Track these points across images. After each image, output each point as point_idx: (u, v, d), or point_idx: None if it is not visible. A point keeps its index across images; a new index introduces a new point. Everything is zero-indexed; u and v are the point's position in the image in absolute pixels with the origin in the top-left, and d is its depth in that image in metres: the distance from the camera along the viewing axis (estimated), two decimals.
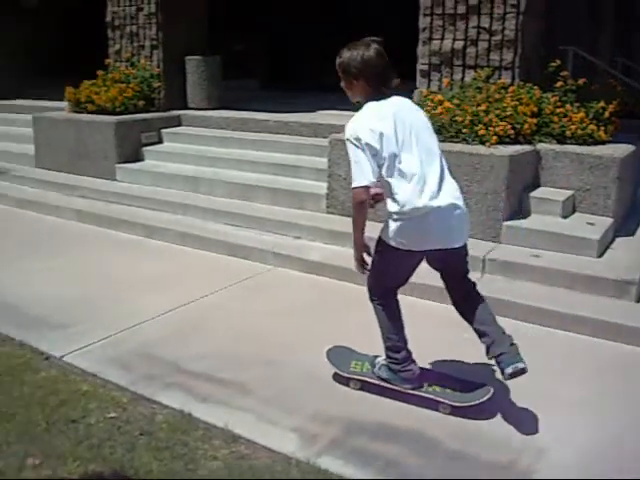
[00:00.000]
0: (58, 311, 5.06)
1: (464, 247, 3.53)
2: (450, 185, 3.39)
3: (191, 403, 3.79)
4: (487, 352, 3.48)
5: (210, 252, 6.43)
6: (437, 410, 3.65)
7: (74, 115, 8.77)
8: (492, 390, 3.58)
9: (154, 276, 5.80)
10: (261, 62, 13.72)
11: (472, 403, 3.55)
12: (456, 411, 3.60)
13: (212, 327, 4.83)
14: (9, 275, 5.87)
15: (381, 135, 3.26)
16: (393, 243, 3.39)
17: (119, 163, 8.26)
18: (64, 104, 9.39)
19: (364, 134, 3.26)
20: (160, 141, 8.68)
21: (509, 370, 3.33)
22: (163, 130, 8.71)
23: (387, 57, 3.39)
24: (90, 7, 16.60)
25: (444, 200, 3.32)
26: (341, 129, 7.28)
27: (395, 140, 3.28)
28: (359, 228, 3.42)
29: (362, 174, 3.25)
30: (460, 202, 3.40)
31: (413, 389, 3.70)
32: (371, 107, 3.37)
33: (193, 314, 5.05)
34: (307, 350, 4.39)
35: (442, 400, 3.62)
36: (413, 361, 3.70)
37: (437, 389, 3.70)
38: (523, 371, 3.33)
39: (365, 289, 3.81)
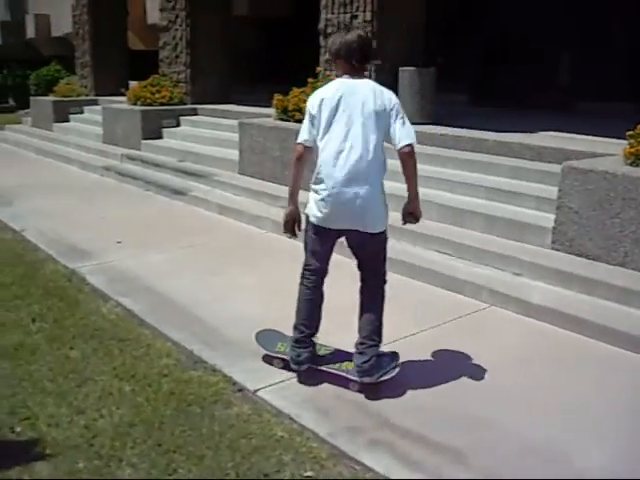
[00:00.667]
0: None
1: (369, 237, 3.77)
2: (366, 174, 3.64)
3: (397, 468, 3.25)
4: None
5: (417, 281, 5.87)
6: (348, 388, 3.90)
7: (281, 123, 8.57)
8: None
9: (350, 305, 5.32)
10: (471, 75, 13.00)
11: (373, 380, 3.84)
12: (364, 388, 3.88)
13: (420, 373, 4.25)
14: (206, 289, 5.64)
15: (320, 106, 3.67)
16: (311, 219, 3.85)
17: None
18: (270, 111, 9.24)
19: (309, 102, 3.79)
20: None
21: (358, 381, 3.84)
22: None
23: (367, 43, 3.83)
24: (299, 15, 16.81)
25: (346, 183, 3.63)
26: (572, 155, 6.61)
27: (329, 114, 3.64)
28: (290, 184, 3.95)
29: (300, 134, 3.77)
30: (372, 194, 3.66)
31: (297, 371, 4.05)
32: (332, 83, 3.80)
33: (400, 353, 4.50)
34: (520, 414, 3.72)
35: (348, 376, 3.93)
36: (306, 347, 3.97)
37: (349, 367, 3.94)
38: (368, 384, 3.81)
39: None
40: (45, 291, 5.56)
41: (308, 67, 9.37)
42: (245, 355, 4.42)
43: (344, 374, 3.93)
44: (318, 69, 9.16)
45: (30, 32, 27.12)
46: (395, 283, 5.75)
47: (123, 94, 12.81)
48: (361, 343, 3.87)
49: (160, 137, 11.37)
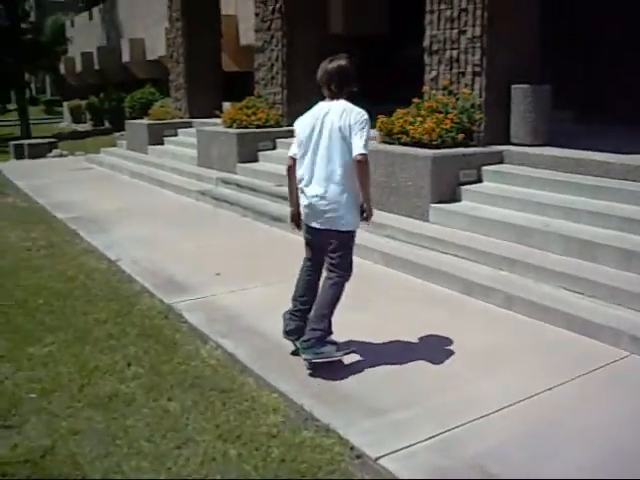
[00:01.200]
0: (372, 387, 4.18)
1: (334, 234, 4.38)
2: (329, 182, 4.27)
3: None
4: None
5: (543, 322, 5.24)
6: None
7: (386, 146, 8.06)
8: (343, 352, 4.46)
9: (478, 349, 4.74)
10: (577, 91, 12.18)
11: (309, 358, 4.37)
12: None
13: (565, 441, 3.62)
14: None
15: (301, 126, 4.41)
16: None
17: (433, 202, 7.37)
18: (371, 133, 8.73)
19: (296, 124, 4.50)
20: (479, 180, 7.66)
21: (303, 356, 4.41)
22: (483, 168, 7.69)
23: (345, 72, 4.39)
24: (394, 32, 16.36)
25: (313, 188, 4.31)
26: None
27: (308, 133, 4.32)
28: (288, 190, 4.64)
29: (291, 148, 4.57)
30: (335, 197, 4.27)
31: (286, 337, 4.65)
32: (315, 106, 4.42)
33: (535, 414, 3.89)
34: None
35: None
36: (296, 320, 4.56)
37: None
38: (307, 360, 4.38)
39: None
40: (141, 330, 5.19)
41: (404, 86, 8.86)
42: (363, 412, 3.90)
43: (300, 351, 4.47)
44: (425, 89, 8.61)
45: (125, 56, 27.62)
46: (516, 323, 5.18)
47: (217, 116, 12.59)
48: (311, 319, 4.47)
49: (256, 160, 11.04)
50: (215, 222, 9.00)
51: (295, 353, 4.60)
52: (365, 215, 4.50)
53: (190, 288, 6.19)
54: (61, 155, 19.11)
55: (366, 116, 4.33)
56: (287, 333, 4.62)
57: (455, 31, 8.46)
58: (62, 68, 37.55)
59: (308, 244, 4.66)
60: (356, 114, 4.30)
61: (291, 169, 4.52)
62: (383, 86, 16.17)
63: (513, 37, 8.24)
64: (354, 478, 3.36)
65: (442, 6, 8.58)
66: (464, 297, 5.88)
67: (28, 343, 5.01)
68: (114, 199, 10.97)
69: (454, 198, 7.52)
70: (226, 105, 15.69)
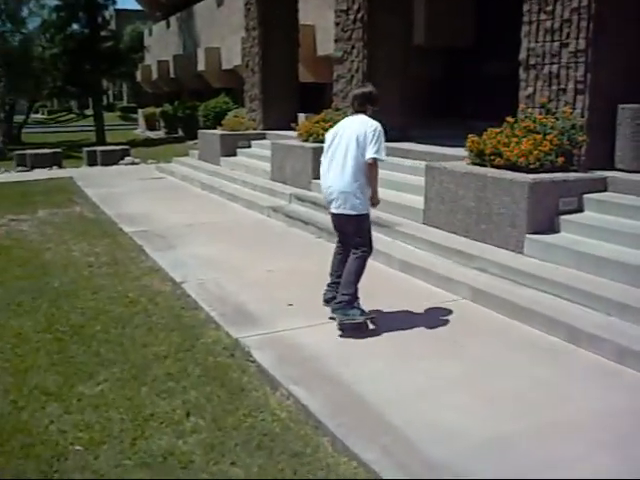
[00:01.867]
0: (467, 459, 3.51)
1: (348, 218, 5.37)
2: (342, 177, 5.25)
3: None
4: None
5: None
6: None
7: (476, 168, 7.36)
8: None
9: (595, 421, 4.00)
10: None
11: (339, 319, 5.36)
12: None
13: None
14: (402, 382, 4.49)
15: (328, 135, 5.52)
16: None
17: (529, 233, 6.64)
18: (457, 152, 8.08)
19: (326, 134, 5.63)
20: (580, 209, 6.90)
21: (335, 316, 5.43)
22: (585, 196, 6.92)
23: (366, 94, 5.48)
24: (481, 44, 15.60)
25: (329, 180, 5.39)
26: None
27: (331, 139, 5.43)
28: None
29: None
30: (350, 188, 5.24)
31: (325, 305, 5.64)
32: (343, 119, 5.65)
33: None
34: None
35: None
36: (331, 290, 5.61)
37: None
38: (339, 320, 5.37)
39: None
40: (204, 370, 4.63)
41: (490, 101, 8.15)
42: None
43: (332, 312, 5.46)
44: (520, 106, 7.88)
45: (201, 65, 27.51)
46: (632, 383, 4.42)
47: (293, 129, 12.08)
48: (341, 286, 5.39)
49: None
50: (288, 243, 8.43)
51: (332, 318, 5.49)
52: (372, 202, 5.47)
53: (260, 320, 5.61)
54: (133, 163, 18.94)
55: (379, 128, 5.25)
56: (325, 301, 5.63)
57: (556, 44, 7.72)
58: (139, 76, 37.88)
59: (335, 228, 5.73)
60: (370, 126, 5.22)
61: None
62: (467, 101, 15.45)
63: (621, 52, 7.45)
64: None
65: (542, 16, 7.84)
66: (569, 346, 5.14)
67: (80, 379, 4.51)
68: (184, 212, 10.54)
69: (552, 229, 6.77)
70: (302, 117, 15.23)
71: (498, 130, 7.56)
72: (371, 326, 5.44)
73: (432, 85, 15.52)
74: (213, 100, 23.70)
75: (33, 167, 18.24)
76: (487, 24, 15.31)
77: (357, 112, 5.41)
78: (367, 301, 5.66)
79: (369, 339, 5.23)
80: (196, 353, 4.90)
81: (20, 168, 18.19)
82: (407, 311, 5.88)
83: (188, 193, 12.86)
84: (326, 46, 18.43)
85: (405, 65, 11.41)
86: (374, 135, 5.18)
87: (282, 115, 14.85)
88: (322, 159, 5.54)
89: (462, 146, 9.59)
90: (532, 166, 6.97)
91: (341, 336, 5.19)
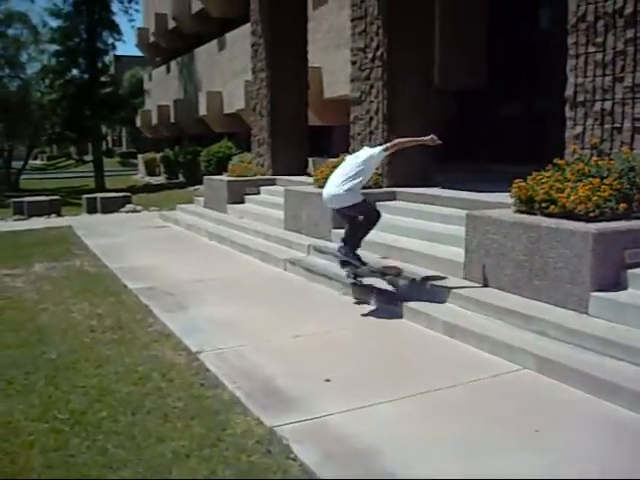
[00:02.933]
0: None
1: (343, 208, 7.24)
2: (338, 184, 7.11)
3: None
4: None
5: None
6: None
7: (526, 217, 6.54)
8: None
9: None
10: None
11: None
12: None
13: None
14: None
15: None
16: None
17: (594, 290, 5.80)
18: (491, 197, 7.30)
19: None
20: None
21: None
22: None
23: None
24: (494, 84, 14.98)
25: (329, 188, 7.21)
26: None
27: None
28: None
29: None
30: (338, 191, 7.09)
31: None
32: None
33: None
34: None
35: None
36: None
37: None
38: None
39: None
40: (237, 474, 3.75)
41: (507, 143, 7.39)
42: None
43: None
44: (572, 148, 7.11)
45: (202, 109, 26.96)
46: None
47: (303, 173, 11.33)
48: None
49: None
50: (311, 301, 7.57)
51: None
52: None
53: (294, 401, 4.75)
54: (135, 210, 18.18)
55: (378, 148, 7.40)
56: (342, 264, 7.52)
57: (608, 78, 6.99)
58: (138, 121, 37.39)
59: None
60: (370, 151, 7.36)
61: None
62: (483, 143, 14.78)
63: None
64: None
65: (591, 49, 7.14)
66: None
67: None
68: (192, 265, 9.71)
69: (619, 284, 5.94)
70: (312, 162, 14.54)
71: (547, 174, 6.78)
72: (426, 404, 4.57)
73: (447, 127, 14.82)
74: (216, 145, 23.05)
75: (30, 215, 17.47)
76: (500, 65, 14.73)
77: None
78: (410, 380, 4.83)
79: (427, 425, 4.36)
80: (224, 450, 4.02)
81: (17, 217, 17.42)
82: (464, 386, 5.01)
83: (195, 243, 12.04)
84: (333, 88, 17.86)
85: (427, 106, 10.68)
86: (374, 153, 7.27)
87: (292, 160, 14.14)
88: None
89: (492, 191, 8.88)
90: (591, 214, 6.17)
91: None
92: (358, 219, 7.32)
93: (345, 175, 7.09)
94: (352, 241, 7.35)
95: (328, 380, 5.11)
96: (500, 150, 14.42)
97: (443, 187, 9.96)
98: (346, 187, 7.01)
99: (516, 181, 6.88)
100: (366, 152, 7.31)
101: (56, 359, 5.72)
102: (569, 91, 7.41)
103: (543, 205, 6.54)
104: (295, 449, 4.01)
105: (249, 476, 3.71)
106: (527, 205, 6.75)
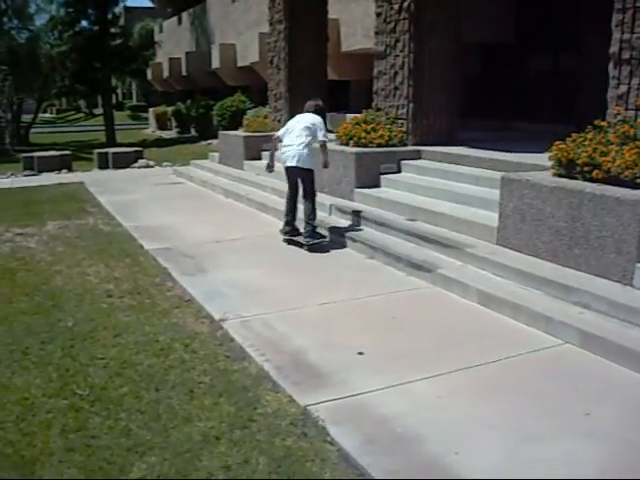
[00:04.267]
0: None
1: (297, 170, 7.96)
2: (297, 144, 7.89)
3: None
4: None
5: None
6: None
7: (568, 182, 6.17)
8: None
9: None
10: None
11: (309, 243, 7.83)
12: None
13: None
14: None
15: (289, 122, 8.32)
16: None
17: None
18: (518, 157, 6.90)
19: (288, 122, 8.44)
20: None
21: (304, 242, 7.94)
22: None
23: (315, 108, 8.26)
24: (520, 40, 14.42)
25: (288, 147, 7.96)
26: None
27: (292, 124, 8.16)
28: (270, 153, 8.72)
29: (279, 132, 8.37)
30: (298, 151, 7.88)
31: (283, 234, 8.41)
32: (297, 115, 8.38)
33: None
34: None
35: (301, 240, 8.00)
36: (285, 224, 8.37)
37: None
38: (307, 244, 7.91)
39: None
40: (272, 461, 3.49)
41: (534, 100, 6.97)
42: None
43: (300, 240, 7.95)
44: (616, 109, 6.69)
45: (215, 62, 26.36)
46: None
47: (331, 131, 10.88)
48: (305, 222, 7.95)
49: (377, 185, 9.29)
50: (336, 265, 7.25)
51: (287, 241, 8.21)
52: (325, 164, 8.27)
53: (327, 376, 4.47)
54: (147, 166, 17.82)
55: (322, 120, 8.12)
56: (285, 233, 8.25)
57: None
58: (149, 74, 36.78)
59: (288, 180, 8.19)
60: (315, 119, 8.09)
61: (276, 140, 8.32)
62: (507, 100, 14.29)
63: None
64: None
65: None
66: None
67: (106, 475, 3.35)
68: (210, 225, 9.41)
69: None
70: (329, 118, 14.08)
71: (589, 136, 6.39)
72: (466, 381, 4.28)
73: (470, 83, 14.33)
74: (229, 99, 22.55)
75: (41, 171, 17.14)
76: (527, 18, 14.15)
77: (308, 112, 8.25)
78: (449, 351, 4.54)
79: (469, 406, 4.07)
80: (256, 432, 3.74)
81: (27, 172, 17.09)
82: (505, 361, 4.72)
83: (211, 201, 11.71)
84: (351, 41, 17.34)
85: (453, 61, 10.22)
86: (322, 125, 8.01)
87: None
88: (280, 136, 8.20)
89: (521, 151, 8.50)
90: (638, 180, 5.80)
91: (309, 250, 7.77)
92: (307, 190, 8.09)
93: (305, 140, 7.94)
94: (315, 214, 8.13)
95: (361, 353, 4.83)
96: (524, 107, 13.95)
97: (470, 146, 9.56)
98: (307, 151, 7.87)
99: (556, 143, 6.51)
100: (313, 120, 8.09)
101: (72, 327, 5.45)
102: (614, 48, 6.94)
103: (585, 169, 6.17)
104: (332, 432, 3.74)
105: (285, 463, 3.42)
106: (567, 168, 6.37)
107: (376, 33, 10.67)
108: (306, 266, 7.23)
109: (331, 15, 15.25)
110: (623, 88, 6.85)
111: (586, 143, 6.28)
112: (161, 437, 3.69)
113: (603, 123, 6.50)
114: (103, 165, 17.80)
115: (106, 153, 18.22)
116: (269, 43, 14.72)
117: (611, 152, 6.02)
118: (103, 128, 30.48)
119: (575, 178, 6.25)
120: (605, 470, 3.38)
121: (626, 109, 6.76)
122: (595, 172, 6.04)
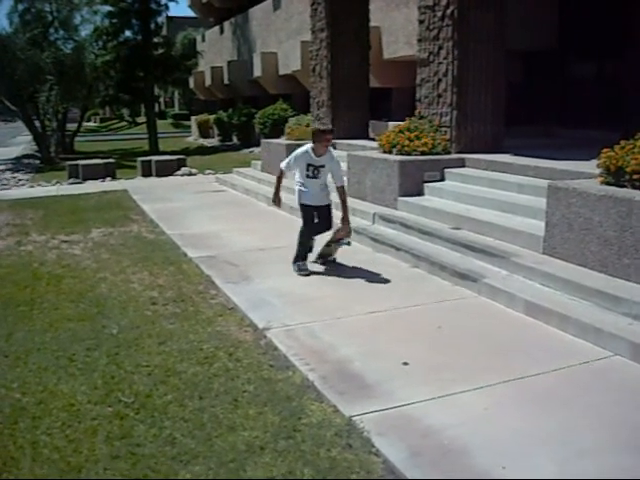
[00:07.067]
0: None
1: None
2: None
3: None
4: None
5: None
6: None
7: (617, 190, 6.04)
8: None
9: None
10: None
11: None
12: None
13: None
14: None
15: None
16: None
17: None
18: (567, 165, 6.78)
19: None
20: None
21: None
22: None
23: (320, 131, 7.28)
24: (563, 45, 14.22)
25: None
26: None
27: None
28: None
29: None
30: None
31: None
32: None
33: None
34: None
35: None
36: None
37: None
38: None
39: None
40: (317, 473, 3.44)
41: (576, 107, 6.84)
42: None
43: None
44: None
45: (257, 71, 26.52)
46: None
47: (370, 138, 10.89)
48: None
49: (421, 194, 9.22)
50: (381, 273, 7.19)
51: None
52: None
53: (372, 387, 4.42)
54: (190, 174, 17.97)
55: (297, 151, 7.48)
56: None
57: None
58: (191, 82, 37.13)
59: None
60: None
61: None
62: (550, 107, 14.10)
63: None
64: None
65: None
66: None
67: None
68: (253, 233, 9.43)
69: None
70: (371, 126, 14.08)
71: (639, 143, 6.25)
72: (515, 392, 4.20)
73: (513, 90, 14.17)
74: (270, 107, 22.66)
75: (85, 179, 17.40)
76: (572, 24, 13.95)
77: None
78: (496, 362, 4.46)
79: (518, 418, 3.99)
80: (301, 442, 3.71)
81: (72, 180, 17.36)
82: (554, 373, 4.62)
83: (254, 209, 11.75)
84: (393, 49, 17.29)
85: (498, 68, 10.11)
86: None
87: (352, 123, 13.76)
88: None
89: (566, 159, 8.36)
90: None
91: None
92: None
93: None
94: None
95: (406, 363, 4.77)
96: (568, 114, 13.75)
97: (514, 154, 9.43)
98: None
99: (604, 150, 6.39)
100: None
101: (117, 334, 5.49)
102: None
103: (635, 177, 6.04)
104: (377, 443, 3.69)
105: (329, 475, 3.39)
106: (615, 176, 6.25)
107: (419, 40, 10.62)
108: (350, 275, 7.17)
109: (373, 23, 15.24)
110: None
111: (635, 150, 6.15)
112: (205, 446, 3.68)
113: None
114: (146, 173, 18.00)
115: (149, 161, 18.41)
116: (311, 51, 14.75)
117: None
118: (146, 136, 30.81)
119: (624, 186, 6.12)
120: None
121: None
122: None
